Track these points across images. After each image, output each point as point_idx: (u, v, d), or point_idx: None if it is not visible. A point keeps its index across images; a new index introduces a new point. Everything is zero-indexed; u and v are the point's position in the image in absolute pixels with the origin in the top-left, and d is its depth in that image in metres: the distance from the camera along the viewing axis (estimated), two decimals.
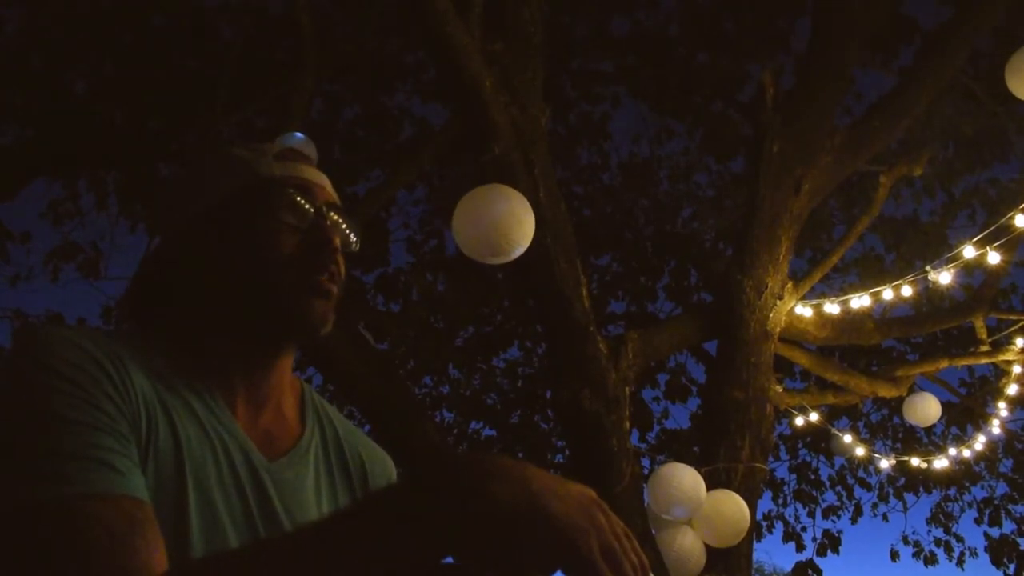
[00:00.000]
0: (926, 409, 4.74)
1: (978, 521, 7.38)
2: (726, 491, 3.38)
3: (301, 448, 0.93)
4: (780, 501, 7.54)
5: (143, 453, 0.77)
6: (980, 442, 5.36)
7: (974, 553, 7.63)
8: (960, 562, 7.63)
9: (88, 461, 0.71)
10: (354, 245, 0.98)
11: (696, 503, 3.19)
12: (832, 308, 4.18)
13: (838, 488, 7.51)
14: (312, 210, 0.92)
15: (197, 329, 0.90)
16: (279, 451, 0.91)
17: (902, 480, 7.34)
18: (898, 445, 6.91)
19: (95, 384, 0.76)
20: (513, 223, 2.53)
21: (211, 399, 0.87)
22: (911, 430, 6.75)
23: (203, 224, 0.91)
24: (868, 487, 7.51)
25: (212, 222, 0.91)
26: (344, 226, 0.95)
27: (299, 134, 3.79)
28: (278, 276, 0.88)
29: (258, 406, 0.91)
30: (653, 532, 3.32)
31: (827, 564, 7.90)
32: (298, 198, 0.91)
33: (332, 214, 0.94)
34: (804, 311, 4.11)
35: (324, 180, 0.96)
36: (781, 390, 4.36)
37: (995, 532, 7.25)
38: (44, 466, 0.70)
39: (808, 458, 7.45)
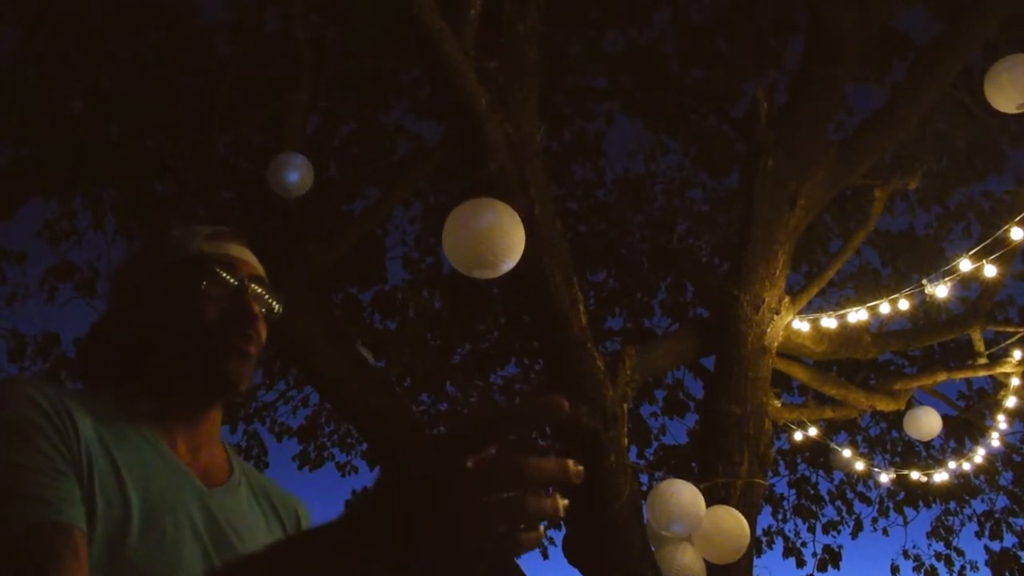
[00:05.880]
0: (927, 423, 4.72)
1: (979, 535, 7.35)
2: (725, 507, 3.36)
3: (234, 482, 1.09)
4: (780, 516, 7.51)
5: (87, 484, 0.90)
6: (979, 455, 5.34)
7: (975, 567, 7.59)
8: None
9: (22, 499, 0.84)
10: (276, 312, 1.13)
11: (695, 519, 3.17)
12: (829, 322, 4.18)
13: (838, 503, 7.48)
14: (235, 282, 1.08)
15: (141, 385, 1.05)
16: (216, 484, 1.06)
17: (902, 494, 7.30)
18: (897, 459, 6.89)
19: (35, 428, 0.89)
20: (500, 235, 2.51)
21: (155, 440, 1.01)
22: (910, 444, 6.73)
23: (142, 295, 1.08)
24: (868, 501, 7.48)
25: (150, 293, 1.08)
26: (266, 296, 1.11)
27: (298, 155, 3.79)
28: (202, 340, 1.04)
29: (195, 449, 1.07)
30: (652, 549, 3.30)
31: None
32: (222, 271, 1.07)
33: (254, 286, 1.09)
34: (801, 326, 4.11)
35: (249, 256, 1.13)
36: (779, 405, 4.34)
37: (996, 546, 7.23)
38: None
39: (807, 473, 7.43)
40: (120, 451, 0.95)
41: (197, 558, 0.97)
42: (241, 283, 1.08)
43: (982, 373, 5.12)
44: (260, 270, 1.13)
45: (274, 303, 1.13)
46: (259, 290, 1.10)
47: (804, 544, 7.42)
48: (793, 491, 7.45)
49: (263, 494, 1.14)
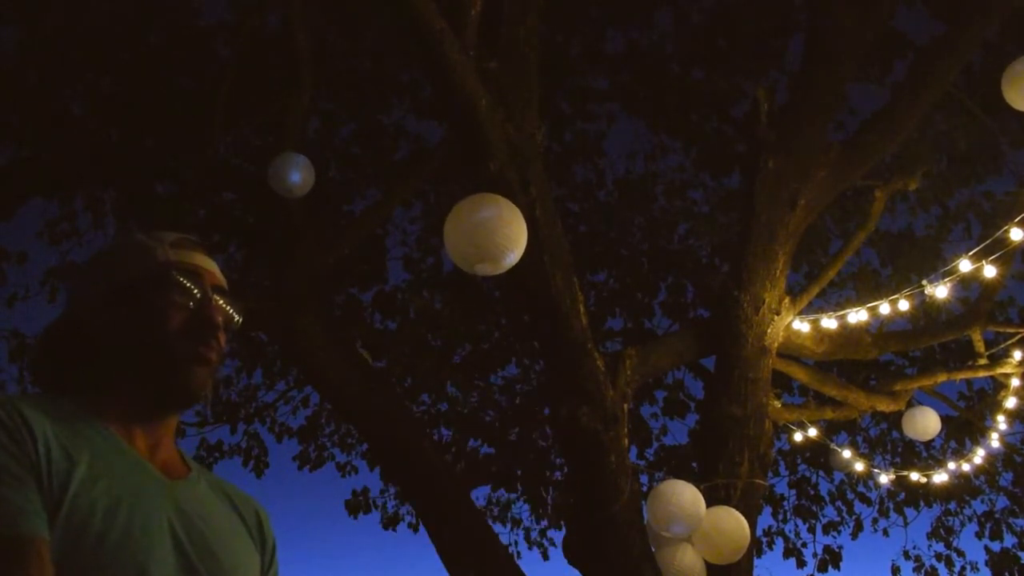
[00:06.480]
0: (925, 423, 4.72)
1: (979, 535, 7.34)
2: (726, 507, 3.36)
3: (193, 478, 1.11)
4: (780, 517, 7.49)
5: (47, 483, 0.91)
6: (979, 456, 5.34)
7: (975, 567, 7.58)
8: None
9: None
10: (237, 323, 1.15)
11: (696, 520, 3.17)
12: (829, 323, 4.18)
13: (838, 503, 7.47)
14: (199, 292, 1.10)
15: (101, 390, 1.06)
16: (177, 478, 1.08)
17: (902, 495, 7.30)
18: (897, 459, 6.88)
19: None
20: (501, 225, 2.51)
21: (112, 437, 1.02)
22: (910, 444, 6.72)
23: (110, 300, 1.08)
24: (868, 502, 7.46)
25: (118, 299, 1.08)
26: (228, 307, 1.13)
27: (300, 155, 3.80)
28: (168, 346, 1.06)
29: (153, 446, 1.08)
30: (652, 549, 3.29)
31: None
32: (187, 281, 1.09)
33: (217, 296, 1.11)
34: (801, 326, 4.11)
35: (213, 266, 1.14)
36: (779, 405, 4.34)
37: (996, 546, 7.21)
38: None
39: (807, 473, 7.42)
40: (78, 448, 0.96)
41: (168, 546, 0.97)
42: (205, 293, 1.10)
43: (982, 374, 5.11)
44: (222, 280, 1.14)
45: (235, 314, 1.14)
46: (221, 301, 1.12)
47: (804, 545, 7.41)
48: (793, 492, 7.44)
49: (222, 492, 1.15)
